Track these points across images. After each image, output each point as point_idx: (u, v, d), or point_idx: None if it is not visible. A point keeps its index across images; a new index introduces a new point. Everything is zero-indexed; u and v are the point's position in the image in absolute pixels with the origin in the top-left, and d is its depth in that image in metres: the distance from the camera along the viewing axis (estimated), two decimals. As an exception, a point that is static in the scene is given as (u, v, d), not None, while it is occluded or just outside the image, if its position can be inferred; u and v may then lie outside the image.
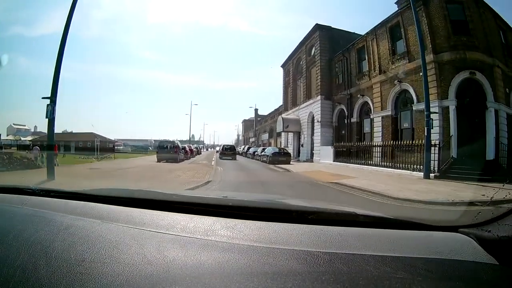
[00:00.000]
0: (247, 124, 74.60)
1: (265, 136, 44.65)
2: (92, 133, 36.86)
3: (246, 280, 0.52)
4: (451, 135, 11.38)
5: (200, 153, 38.48)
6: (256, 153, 24.91)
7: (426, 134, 10.29)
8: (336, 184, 8.61)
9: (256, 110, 51.10)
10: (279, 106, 35.91)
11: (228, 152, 23.49)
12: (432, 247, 0.68)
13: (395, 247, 0.67)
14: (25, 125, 76.92)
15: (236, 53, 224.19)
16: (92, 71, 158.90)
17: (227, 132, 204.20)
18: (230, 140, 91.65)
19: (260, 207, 1.01)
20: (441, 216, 2.15)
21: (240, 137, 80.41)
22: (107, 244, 0.67)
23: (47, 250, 0.63)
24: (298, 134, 25.22)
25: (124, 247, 0.65)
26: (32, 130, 73.01)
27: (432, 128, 10.57)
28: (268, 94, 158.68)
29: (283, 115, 26.74)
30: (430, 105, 10.57)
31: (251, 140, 55.48)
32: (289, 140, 27.70)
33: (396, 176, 11.08)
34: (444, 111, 11.64)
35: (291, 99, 27.64)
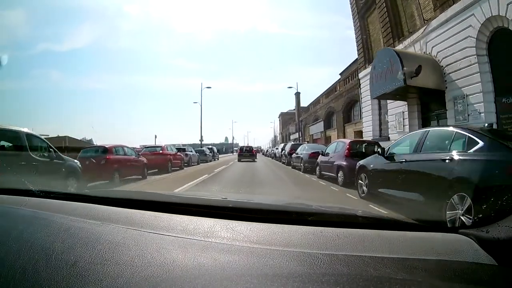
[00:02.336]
0: (285, 118, 59.09)
1: (317, 128, 28.46)
2: (65, 136, 26.58)
3: (246, 281, 0.53)
4: None
5: (217, 159, 25.89)
6: (321, 160, 8.93)
7: None
8: None
9: (298, 93, 36.15)
10: (350, 65, 20.81)
11: (246, 153, 22.70)
12: (432, 248, 0.68)
13: (396, 248, 0.67)
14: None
15: (267, 55, 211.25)
16: (126, 80, 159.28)
17: (263, 133, 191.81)
18: (267, 141, 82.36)
19: (260, 208, 1.00)
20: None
21: (278, 136, 66.21)
22: (107, 245, 0.67)
23: (46, 251, 0.64)
24: (418, 106, 10.00)
25: (124, 249, 0.66)
26: (61, 140, 70.04)
27: None
28: (306, 93, 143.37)
29: (395, 48, 11.07)
30: None
31: (292, 136, 40.28)
32: (389, 121, 12.47)
33: None
34: None
35: (385, 30, 12.46)
